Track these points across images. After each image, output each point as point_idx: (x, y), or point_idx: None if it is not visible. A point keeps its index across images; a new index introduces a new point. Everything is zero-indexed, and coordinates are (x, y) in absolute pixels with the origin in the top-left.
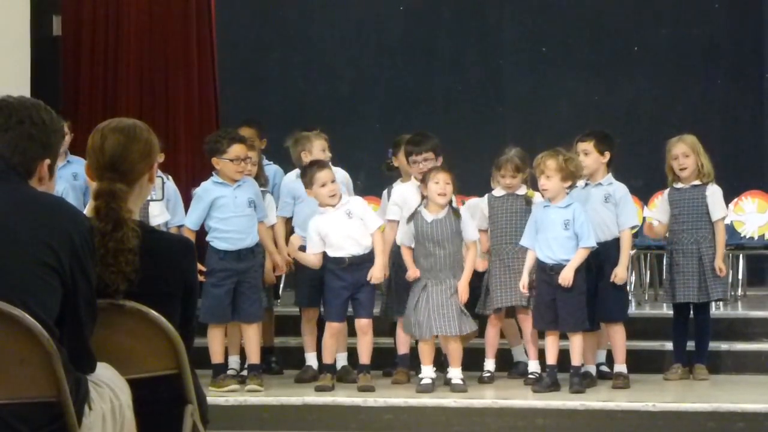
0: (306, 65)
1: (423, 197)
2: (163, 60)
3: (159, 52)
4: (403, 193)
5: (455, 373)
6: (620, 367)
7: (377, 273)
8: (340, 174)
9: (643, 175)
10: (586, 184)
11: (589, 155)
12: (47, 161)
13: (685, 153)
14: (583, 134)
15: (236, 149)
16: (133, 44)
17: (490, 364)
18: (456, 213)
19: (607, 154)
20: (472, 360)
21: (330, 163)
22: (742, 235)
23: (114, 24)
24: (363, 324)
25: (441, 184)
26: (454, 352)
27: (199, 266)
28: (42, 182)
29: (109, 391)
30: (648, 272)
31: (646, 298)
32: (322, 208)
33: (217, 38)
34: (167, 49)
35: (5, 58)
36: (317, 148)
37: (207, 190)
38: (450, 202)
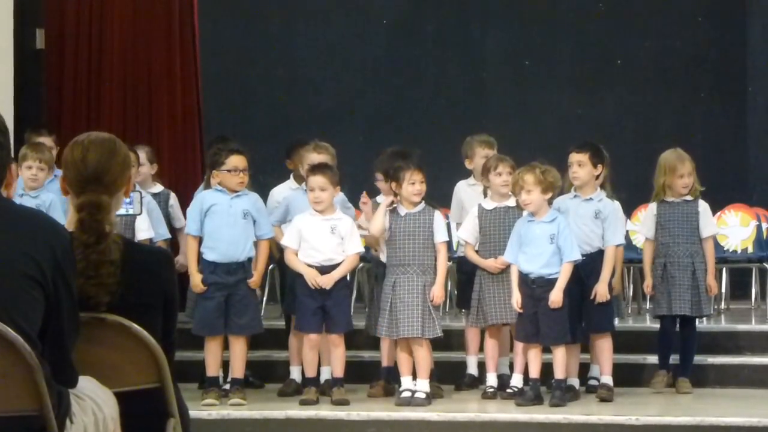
0: (289, 78)
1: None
2: (146, 73)
3: (142, 65)
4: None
5: (421, 385)
6: (606, 378)
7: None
8: (339, 195)
9: (627, 189)
10: (575, 196)
11: (583, 167)
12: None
13: (689, 172)
14: (577, 145)
15: (234, 160)
16: (117, 57)
17: (492, 379)
18: (432, 207)
19: (600, 168)
20: (456, 372)
21: (330, 173)
22: (725, 249)
23: (97, 37)
24: (334, 338)
25: (417, 185)
26: (421, 360)
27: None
28: (9, 187)
29: (92, 403)
30: (631, 286)
31: (629, 311)
32: (314, 211)
33: (200, 51)
34: (150, 62)
35: None
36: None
37: (204, 196)
38: (423, 198)
